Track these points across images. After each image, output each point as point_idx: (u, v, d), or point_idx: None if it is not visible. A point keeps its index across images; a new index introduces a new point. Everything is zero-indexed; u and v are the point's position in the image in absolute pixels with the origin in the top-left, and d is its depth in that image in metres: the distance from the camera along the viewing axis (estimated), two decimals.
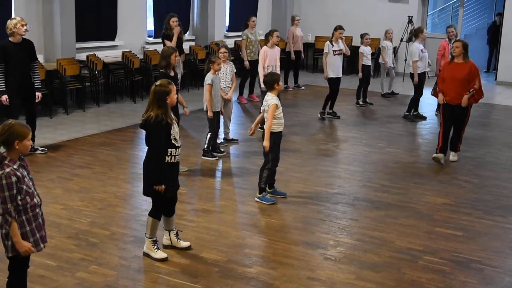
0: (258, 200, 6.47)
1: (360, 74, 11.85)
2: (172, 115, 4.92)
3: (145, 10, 13.06)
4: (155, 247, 5.05)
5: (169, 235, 5.23)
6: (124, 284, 4.61)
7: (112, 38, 12.28)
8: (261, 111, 6.46)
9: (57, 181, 6.95)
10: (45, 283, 4.56)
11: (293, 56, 13.69)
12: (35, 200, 3.76)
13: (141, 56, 12.04)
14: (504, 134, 10.17)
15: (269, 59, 9.70)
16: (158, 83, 4.94)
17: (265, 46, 9.96)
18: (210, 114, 7.85)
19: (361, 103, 12.12)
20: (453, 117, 8.04)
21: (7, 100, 7.60)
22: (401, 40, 14.57)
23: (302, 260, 5.12)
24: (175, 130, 4.90)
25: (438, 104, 11.55)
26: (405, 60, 13.40)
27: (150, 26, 13.40)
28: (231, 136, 8.99)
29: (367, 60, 11.85)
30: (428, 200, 6.75)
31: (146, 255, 5.06)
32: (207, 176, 7.44)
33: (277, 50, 9.92)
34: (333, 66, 10.49)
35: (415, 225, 5.96)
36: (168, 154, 4.87)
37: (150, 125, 4.81)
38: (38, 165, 7.50)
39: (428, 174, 7.69)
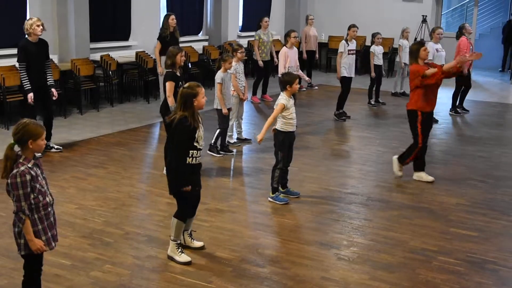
0: (271, 200, 6.46)
1: (372, 74, 11.78)
2: (199, 118, 4.87)
3: (159, 10, 13.09)
4: (179, 250, 5.00)
5: (183, 235, 5.23)
6: (138, 283, 4.62)
7: (126, 38, 12.34)
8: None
9: (71, 181, 6.99)
10: (60, 282, 4.59)
11: (304, 55, 13.69)
12: (47, 199, 3.78)
13: (154, 56, 12.08)
14: None
15: (289, 60, 9.72)
16: (186, 85, 4.93)
17: (284, 47, 9.98)
18: (225, 111, 7.93)
19: (373, 102, 12.06)
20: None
21: (32, 98, 7.70)
22: (415, 39, 14.48)
23: (316, 260, 5.10)
24: (199, 133, 4.84)
25: (453, 104, 11.52)
26: None
27: None
28: (244, 135, 9.00)
29: (378, 60, 11.78)
30: (442, 200, 6.70)
31: (170, 258, 5.00)
32: (220, 176, 7.44)
33: (295, 51, 9.97)
34: (347, 66, 10.45)
35: (429, 226, 5.92)
36: (190, 155, 4.83)
37: (174, 126, 4.81)
38: (53, 164, 7.55)
39: (443, 174, 7.63)
